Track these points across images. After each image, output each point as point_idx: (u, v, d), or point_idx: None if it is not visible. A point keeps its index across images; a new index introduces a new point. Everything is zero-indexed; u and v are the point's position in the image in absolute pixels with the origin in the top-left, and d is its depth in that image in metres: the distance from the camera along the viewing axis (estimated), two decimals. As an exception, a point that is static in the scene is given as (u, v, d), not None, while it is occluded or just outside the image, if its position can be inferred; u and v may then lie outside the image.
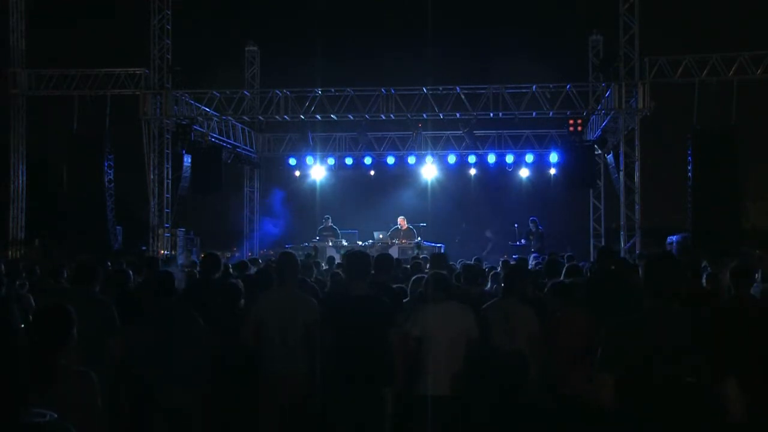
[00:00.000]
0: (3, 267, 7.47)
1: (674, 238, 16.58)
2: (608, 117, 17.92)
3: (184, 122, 17.59)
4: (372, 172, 21.10)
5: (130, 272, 7.49)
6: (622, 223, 17.42)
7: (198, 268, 8.22)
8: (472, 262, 8.42)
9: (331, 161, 21.04)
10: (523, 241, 17.75)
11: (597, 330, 5.64)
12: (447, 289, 5.43)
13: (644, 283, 3.39)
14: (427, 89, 17.79)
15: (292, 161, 21.19)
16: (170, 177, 18.70)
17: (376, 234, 17.71)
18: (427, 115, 18.31)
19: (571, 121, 17.24)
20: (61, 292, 6.34)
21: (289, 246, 17.16)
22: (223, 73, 21.33)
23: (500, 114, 17.92)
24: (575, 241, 20.23)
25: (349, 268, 5.42)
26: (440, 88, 17.88)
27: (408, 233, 17.44)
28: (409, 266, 9.22)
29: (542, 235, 17.45)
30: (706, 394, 3.07)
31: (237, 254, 21.20)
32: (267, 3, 24.30)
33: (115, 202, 17.76)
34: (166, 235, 18.51)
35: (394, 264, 7.07)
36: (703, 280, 6.92)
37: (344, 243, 17.47)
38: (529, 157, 20.48)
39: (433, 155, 20.39)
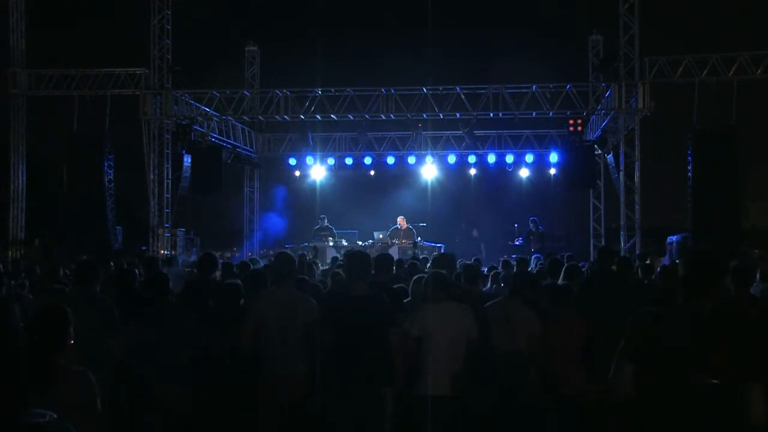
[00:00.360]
0: (3, 267, 7.48)
1: (674, 238, 16.58)
2: (608, 117, 17.92)
3: (184, 122, 17.58)
4: (372, 172, 21.10)
5: (137, 271, 7.49)
6: (622, 223, 17.42)
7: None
8: (472, 262, 8.42)
9: (331, 161, 21.05)
10: (523, 240, 17.74)
11: (593, 330, 5.67)
12: (447, 289, 5.42)
13: (682, 281, 3.39)
14: (427, 89, 17.79)
15: (292, 161, 21.19)
16: (170, 177, 18.70)
17: (376, 234, 17.71)
18: (427, 115, 18.31)
19: (571, 121, 17.24)
20: (62, 292, 6.34)
21: (289, 246, 17.16)
22: (223, 73, 21.35)
23: (500, 114, 17.93)
24: (575, 241, 20.22)
25: (349, 268, 5.42)
26: (440, 88, 17.88)
27: (408, 233, 17.44)
28: (406, 266, 9.24)
29: (542, 235, 17.45)
30: (720, 395, 3.06)
31: (237, 254, 21.20)
32: (267, 3, 24.29)
33: (115, 202, 17.77)
34: (166, 235, 18.52)
35: (394, 264, 7.07)
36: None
37: (344, 243, 17.48)
38: (529, 157, 20.48)
39: (433, 155, 20.39)
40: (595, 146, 18.35)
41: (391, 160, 20.59)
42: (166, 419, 5.62)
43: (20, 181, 18.75)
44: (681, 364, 3.13)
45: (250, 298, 5.76)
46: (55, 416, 1.83)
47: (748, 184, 20.00)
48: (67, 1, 23.73)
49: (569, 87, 17.53)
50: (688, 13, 23.17)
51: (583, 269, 8.59)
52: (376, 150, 21.01)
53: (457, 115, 18.16)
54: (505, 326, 5.68)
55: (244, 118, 19.94)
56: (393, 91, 17.88)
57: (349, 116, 18.40)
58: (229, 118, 19.35)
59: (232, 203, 23.13)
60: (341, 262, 10.14)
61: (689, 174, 16.15)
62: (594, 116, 18.79)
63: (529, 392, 5.58)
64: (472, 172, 21.05)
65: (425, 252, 15.73)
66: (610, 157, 18.40)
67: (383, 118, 18.40)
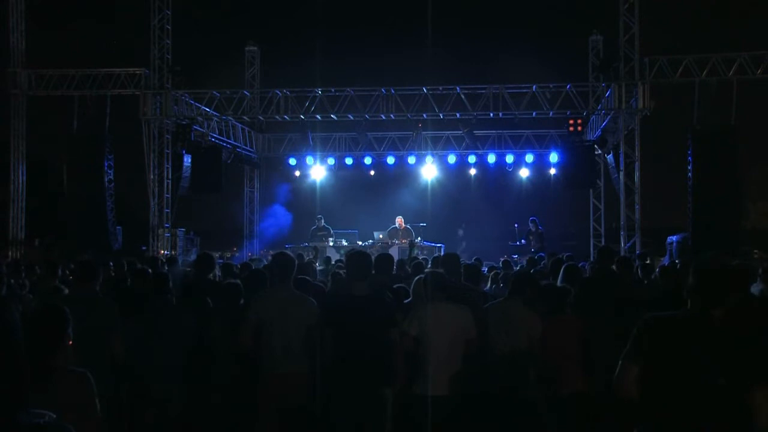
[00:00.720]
0: (3, 267, 7.48)
1: (674, 238, 16.58)
2: (608, 117, 17.92)
3: (184, 122, 17.58)
4: (372, 172, 21.10)
5: (149, 271, 7.47)
6: (622, 223, 17.42)
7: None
8: (472, 262, 8.42)
9: (331, 161, 21.05)
10: (523, 241, 17.74)
11: (593, 330, 5.67)
12: (446, 289, 5.42)
13: (691, 284, 3.33)
14: (427, 89, 17.79)
15: (292, 161, 21.19)
16: (170, 177, 18.69)
17: (376, 234, 17.70)
18: (427, 115, 18.31)
19: (571, 121, 17.24)
20: (61, 292, 6.34)
21: (290, 246, 17.15)
22: (223, 73, 21.36)
23: (500, 114, 17.92)
24: (575, 241, 20.22)
25: (350, 268, 5.42)
26: (440, 88, 17.88)
27: (406, 233, 17.44)
28: (409, 269, 9.22)
29: (542, 235, 17.44)
30: (728, 400, 3.05)
31: (237, 254, 21.21)
32: (267, 3, 24.33)
33: (115, 202, 17.75)
34: (166, 235, 18.51)
35: (394, 264, 7.07)
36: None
37: (344, 243, 17.48)
38: (529, 157, 20.48)
39: (433, 155, 20.39)
40: (595, 146, 18.34)
41: (391, 160, 20.59)
42: (166, 419, 5.62)
43: (20, 181, 18.75)
44: (692, 368, 3.11)
45: (250, 298, 5.76)
46: (54, 416, 1.82)
47: (748, 184, 20.01)
48: (67, 1, 23.74)
49: (569, 87, 17.53)
50: (688, 13, 23.20)
51: (584, 269, 8.59)
52: (376, 150, 21.01)
53: (457, 115, 18.16)
54: (504, 326, 5.68)
55: (244, 118, 19.94)
56: (393, 91, 17.88)
57: (349, 116, 18.40)
58: (229, 118, 19.35)
59: (232, 203, 23.14)
60: (339, 262, 10.17)
61: (689, 174, 16.14)
62: (594, 116, 18.79)
63: (528, 392, 5.58)
64: (472, 172, 21.04)
65: (425, 252, 15.73)
66: (610, 157, 18.40)
67: (383, 118, 18.40)
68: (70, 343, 3.26)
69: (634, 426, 3.27)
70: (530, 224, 17.61)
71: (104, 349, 5.09)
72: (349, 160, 20.84)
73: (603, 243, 18.29)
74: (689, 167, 16.14)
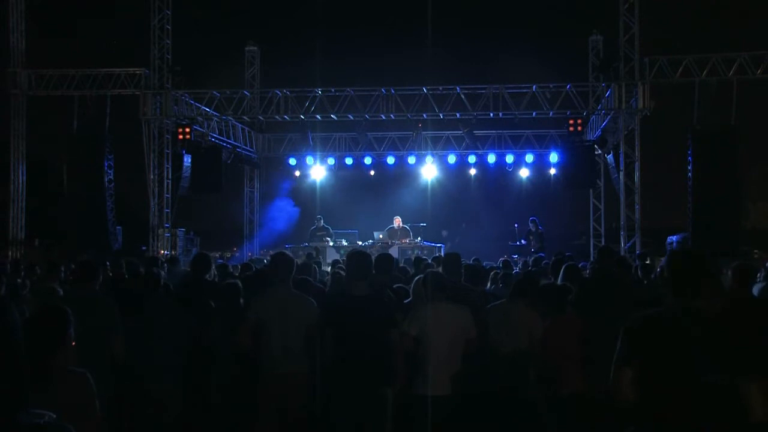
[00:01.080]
0: (8, 266, 7.48)
1: (674, 238, 16.59)
2: (608, 117, 17.92)
3: (184, 122, 17.58)
4: (372, 172, 21.10)
5: (161, 272, 7.46)
6: (622, 223, 17.41)
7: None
8: (472, 262, 8.42)
9: (331, 161, 21.05)
10: (523, 241, 17.74)
11: (592, 330, 5.67)
12: (445, 289, 5.42)
13: (667, 280, 3.34)
14: (427, 89, 17.78)
15: (292, 161, 21.19)
16: (170, 177, 18.69)
17: (376, 234, 17.71)
18: (427, 115, 18.30)
19: (571, 121, 17.23)
20: (62, 292, 6.34)
21: (290, 246, 17.16)
22: (223, 73, 21.36)
23: (500, 114, 17.91)
24: (575, 241, 20.22)
25: (350, 268, 5.42)
26: (440, 88, 17.87)
27: (404, 232, 17.45)
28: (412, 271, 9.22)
29: (542, 235, 17.45)
30: (723, 394, 3.04)
31: (237, 254, 21.21)
32: (267, 3, 24.33)
33: (115, 202, 17.74)
34: (166, 235, 18.51)
35: (394, 264, 7.07)
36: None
37: (344, 243, 17.48)
38: (529, 157, 20.48)
39: (433, 155, 20.39)
40: (595, 146, 18.35)
41: (391, 160, 20.59)
42: (166, 419, 5.62)
43: (20, 181, 18.74)
44: (683, 365, 3.11)
45: (250, 298, 5.76)
46: (54, 416, 1.82)
47: (748, 184, 20.01)
48: (67, 1, 23.75)
49: (569, 87, 17.53)
50: (688, 13, 23.20)
51: (584, 269, 8.59)
52: (376, 150, 21.01)
53: (457, 115, 18.15)
54: (505, 327, 5.69)
55: (244, 118, 19.93)
56: (393, 91, 17.87)
57: (349, 116, 18.39)
58: (229, 118, 19.35)
59: (232, 203, 23.13)
60: (340, 262, 10.16)
61: (689, 174, 16.14)
62: (594, 116, 18.78)
63: (528, 392, 5.58)
64: (472, 172, 21.04)
65: (425, 252, 15.73)
66: (610, 157, 18.40)
67: (383, 118, 18.39)
68: (73, 344, 3.26)
69: (629, 426, 3.26)
70: (530, 224, 17.62)
71: (104, 349, 5.09)
72: (349, 160, 20.84)
73: (603, 243, 18.29)
74: (689, 167, 16.14)
